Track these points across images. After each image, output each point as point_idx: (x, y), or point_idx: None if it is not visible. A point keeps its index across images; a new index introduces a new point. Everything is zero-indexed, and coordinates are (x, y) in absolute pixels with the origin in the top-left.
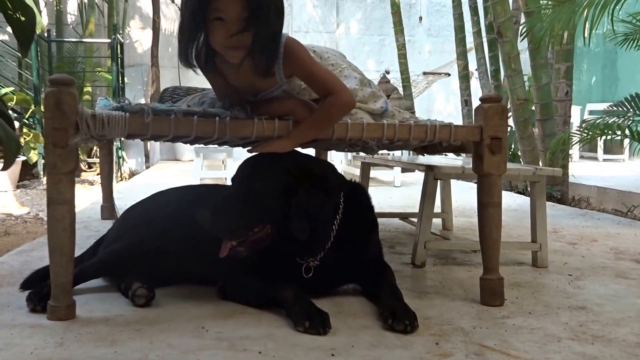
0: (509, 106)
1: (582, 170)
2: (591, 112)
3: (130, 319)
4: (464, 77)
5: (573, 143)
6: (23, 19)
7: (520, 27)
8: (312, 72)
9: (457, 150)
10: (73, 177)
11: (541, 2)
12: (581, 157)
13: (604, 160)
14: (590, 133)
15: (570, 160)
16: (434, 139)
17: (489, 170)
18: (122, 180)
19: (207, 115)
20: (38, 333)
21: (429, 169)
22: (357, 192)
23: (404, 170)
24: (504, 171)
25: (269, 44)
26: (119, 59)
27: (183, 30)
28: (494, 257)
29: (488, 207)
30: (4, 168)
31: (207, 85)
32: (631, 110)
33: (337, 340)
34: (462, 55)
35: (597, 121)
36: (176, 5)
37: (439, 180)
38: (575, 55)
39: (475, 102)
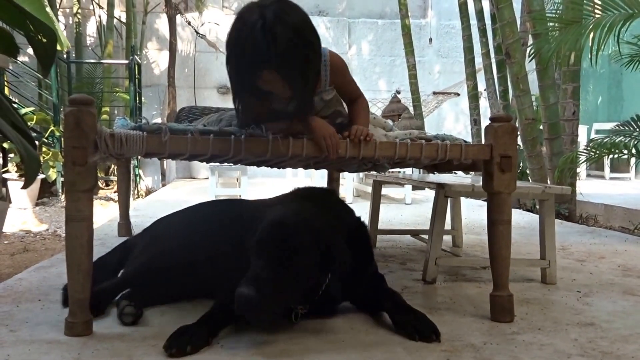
0: (517, 125)
1: (590, 188)
2: (597, 132)
3: (146, 334)
4: (473, 97)
5: (581, 162)
6: (44, 40)
7: (528, 49)
8: (348, 81)
9: (467, 169)
10: (91, 195)
11: (549, 24)
12: (588, 175)
13: (611, 178)
14: (597, 152)
15: (577, 178)
16: (445, 157)
17: (499, 189)
18: (138, 197)
19: (223, 134)
20: (55, 349)
21: (439, 187)
22: (354, 237)
23: (414, 188)
24: (514, 189)
25: (314, 84)
26: (137, 80)
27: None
28: (504, 274)
29: (498, 224)
30: (25, 186)
31: (222, 105)
32: (637, 130)
33: (350, 356)
34: (471, 75)
35: (605, 140)
36: (192, 27)
37: (449, 198)
38: (582, 76)
39: (484, 122)
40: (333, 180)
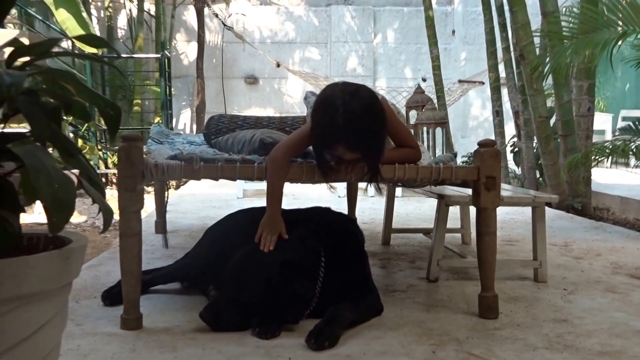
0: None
1: (611, 178)
2: (624, 119)
3: (185, 328)
4: (495, 89)
5: (593, 164)
6: (112, 112)
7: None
8: (396, 128)
9: (460, 186)
10: (140, 215)
11: (564, 41)
12: (614, 163)
13: (635, 166)
14: (599, 155)
15: (600, 166)
16: (438, 178)
17: (485, 205)
18: (169, 188)
19: (246, 162)
20: (115, 341)
21: (440, 197)
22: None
23: None
24: (498, 205)
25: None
26: (167, 73)
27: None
28: (490, 278)
29: (485, 235)
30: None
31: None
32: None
33: (351, 348)
34: (493, 67)
35: (605, 144)
36: (220, 19)
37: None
38: (607, 64)
39: (506, 113)
40: None
